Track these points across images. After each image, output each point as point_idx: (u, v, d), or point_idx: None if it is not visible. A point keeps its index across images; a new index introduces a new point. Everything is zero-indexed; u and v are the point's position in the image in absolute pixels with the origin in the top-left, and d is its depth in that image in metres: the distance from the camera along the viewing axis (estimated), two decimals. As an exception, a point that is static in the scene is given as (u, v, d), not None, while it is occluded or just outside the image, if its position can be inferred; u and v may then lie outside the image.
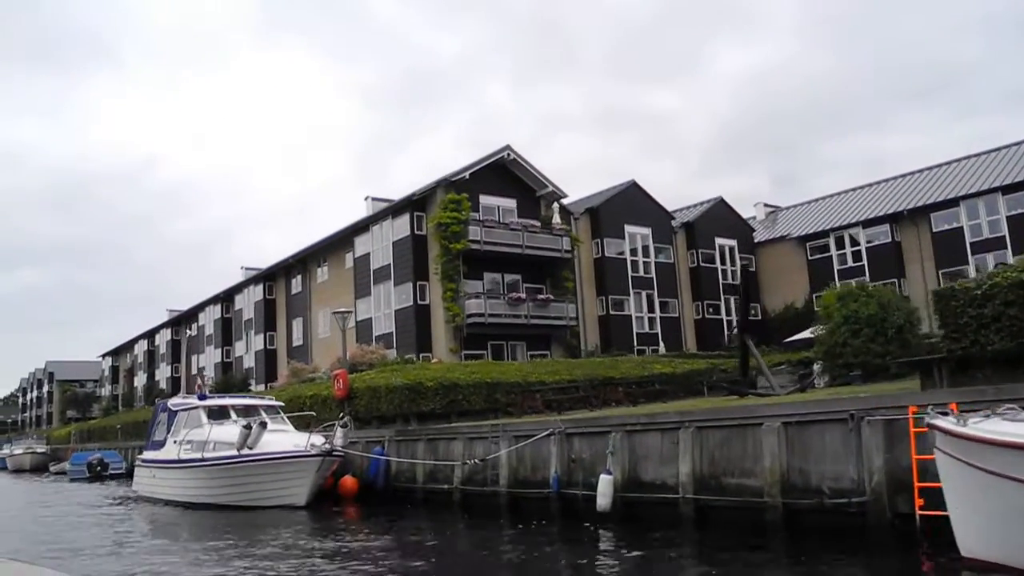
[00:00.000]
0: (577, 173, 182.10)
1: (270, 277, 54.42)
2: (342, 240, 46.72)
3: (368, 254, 43.64)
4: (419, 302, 40.15)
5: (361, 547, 14.98)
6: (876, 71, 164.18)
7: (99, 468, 39.87)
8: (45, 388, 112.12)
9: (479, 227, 39.91)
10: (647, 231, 48.67)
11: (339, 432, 20.64)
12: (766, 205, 58.91)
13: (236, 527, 18.60)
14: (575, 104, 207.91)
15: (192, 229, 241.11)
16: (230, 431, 21.61)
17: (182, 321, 70.74)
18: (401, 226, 41.39)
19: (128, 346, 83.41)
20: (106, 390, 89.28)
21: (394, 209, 41.89)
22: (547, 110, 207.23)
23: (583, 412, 23.92)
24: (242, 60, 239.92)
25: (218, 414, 23.27)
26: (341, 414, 21.51)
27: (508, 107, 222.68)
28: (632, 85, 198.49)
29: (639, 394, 28.78)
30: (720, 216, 53.33)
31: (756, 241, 54.72)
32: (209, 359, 62.45)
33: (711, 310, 51.14)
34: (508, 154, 42.31)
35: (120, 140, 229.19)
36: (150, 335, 76.44)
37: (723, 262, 52.39)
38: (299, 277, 51.57)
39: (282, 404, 25.42)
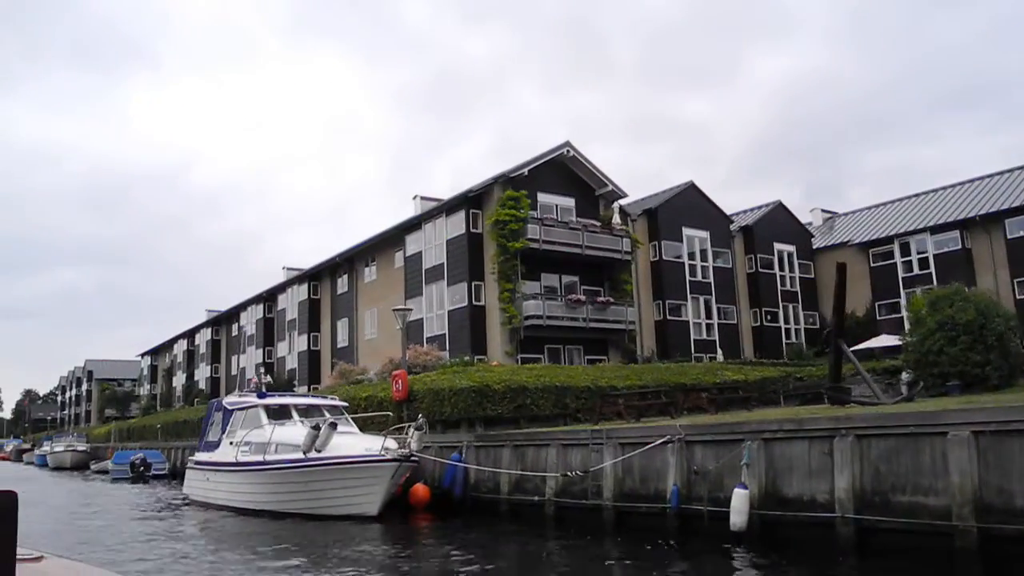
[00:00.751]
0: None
1: (315, 277, 52.69)
2: (392, 239, 44.88)
3: (420, 253, 41.74)
4: (474, 303, 38.18)
5: (448, 566, 12.92)
6: (911, 80, 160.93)
7: (142, 468, 38.17)
8: (84, 387, 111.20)
9: (538, 226, 37.92)
10: (705, 235, 46.47)
11: (414, 435, 18.62)
12: (823, 211, 56.48)
13: (301, 538, 16.73)
14: (606, 111, 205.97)
15: (227, 231, 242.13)
16: (295, 432, 19.73)
17: (222, 321, 69.28)
18: (455, 224, 39.48)
19: (167, 346, 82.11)
20: (144, 389, 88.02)
21: (448, 207, 39.99)
22: (577, 116, 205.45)
23: (665, 420, 21.87)
24: (275, 64, 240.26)
25: (279, 414, 21.34)
26: (419, 416, 19.41)
27: (538, 114, 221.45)
28: (664, 93, 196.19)
29: (720, 401, 26.55)
30: (779, 221, 50.99)
31: (814, 247, 52.23)
32: (250, 360, 60.82)
33: (769, 317, 48.76)
34: (567, 151, 40.31)
35: (156, 142, 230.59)
36: (190, 335, 75.04)
37: (781, 268, 50.02)
38: (345, 277, 49.79)
39: (346, 404, 23.47)
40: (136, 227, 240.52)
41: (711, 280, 46.18)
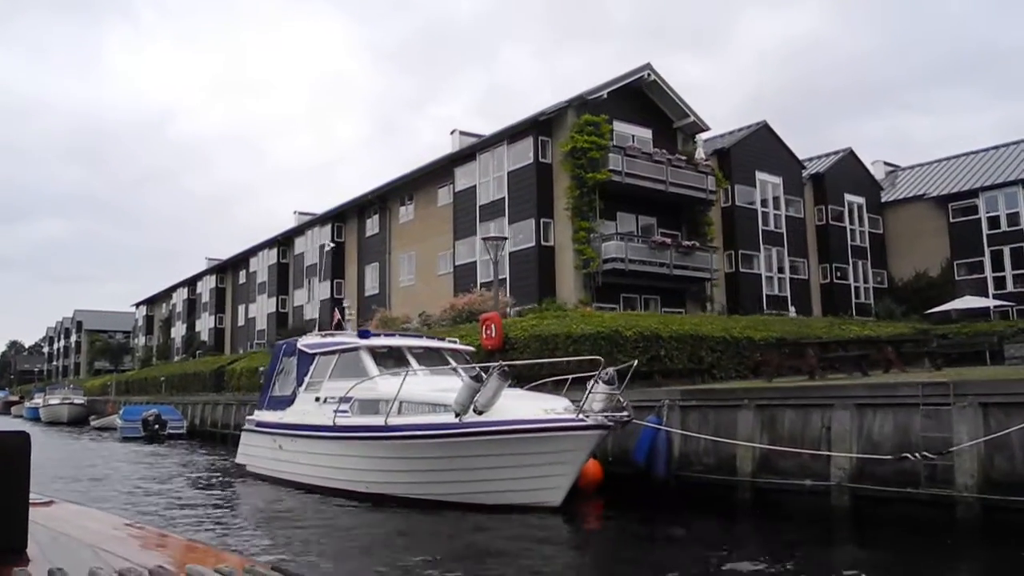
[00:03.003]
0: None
1: (339, 218, 45.89)
2: (436, 173, 38.22)
3: (473, 187, 35.14)
4: (542, 243, 31.71)
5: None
6: (905, 51, 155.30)
7: (156, 426, 31.39)
8: (73, 338, 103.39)
9: (620, 156, 31.56)
10: (778, 180, 40.23)
11: (599, 391, 12.19)
12: (886, 163, 50.21)
13: (450, 541, 10.63)
14: (595, 75, 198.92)
15: (212, 184, 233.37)
16: (431, 385, 13.31)
17: (227, 268, 62.16)
18: (520, 153, 32.96)
19: (165, 295, 74.77)
20: (139, 341, 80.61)
21: (510, 134, 33.38)
22: (571, 77, 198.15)
23: (887, 375, 15.80)
24: (258, 17, 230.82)
25: (388, 359, 14.71)
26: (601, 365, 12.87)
27: (529, 75, 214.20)
28: (656, 56, 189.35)
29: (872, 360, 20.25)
30: (849, 170, 44.88)
31: (883, 201, 46.11)
32: (261, 309, 54.00)
33: (839, 274, 42.68)
34: (648, 75, 33.85)
35: (139, 91, 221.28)
36: (190, 283, 67.85)
37: (851, 221, 43.89)
38: (375, 217, 43.05)
39: (472, 349, 16.83)
40: (120, 179, 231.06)
41: (783, 230, 40.00)
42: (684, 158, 33.74)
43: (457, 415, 11.79)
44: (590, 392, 11.73)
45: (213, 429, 32.13)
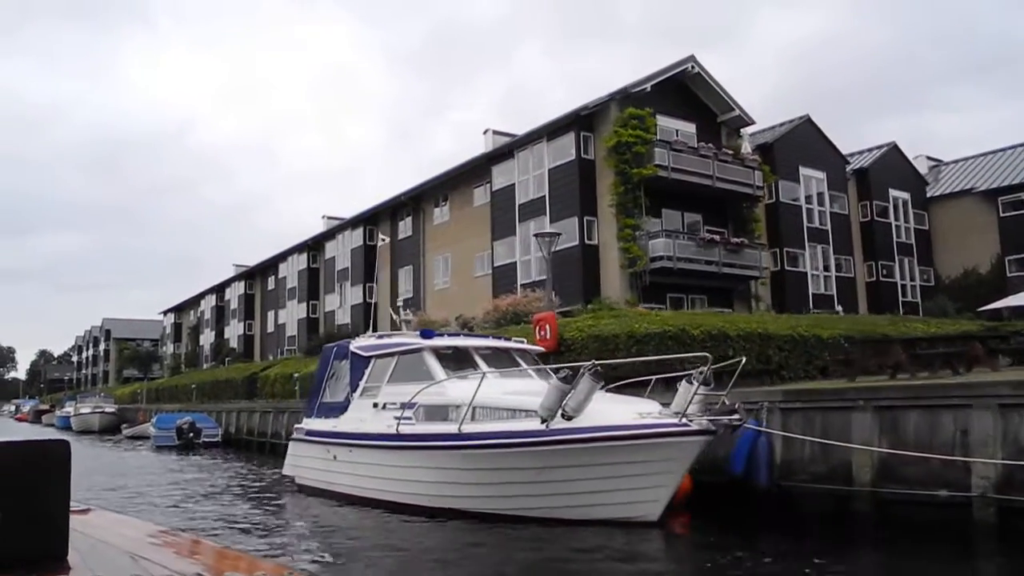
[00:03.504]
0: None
1: (371, 220, 44.72)
2: (471, 173, 37.08)
3: (511, 186, 33.90)
4: (586, 242, 30.41)
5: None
6: (922, 48, 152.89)
7: (191, 435, 30.26)
8: (101, 346, 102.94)
9: (666, 150, 30.21)
10: (822, 175, 38.71)
11: (692, 392, 10.88)
12: (928, 158, 48.50)
13: (536, 563, 9.48)
14: (610, 74, 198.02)
15: (231, 191, 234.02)
16: (507, 387, 12.03)
17: (255, 275, 61.25)
18: (561, 149, 31.71)
19: (193, 302, 74.07)
20: (168, 348, 79.91)
21: (551, 129, 32.12)
22: (583, 79, 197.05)
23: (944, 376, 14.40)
24: (273, 27, 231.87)
25: (453, 361, 13.41)
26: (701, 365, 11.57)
27: (544, 77, 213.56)
28: (671, 52, 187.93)
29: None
30: (894, 164, 43.28)
31: (928, 196, 44.44)
32: (291, 315, 52.95)
33: (884, 272, 41.06)
34: (691, 67, 32.50)
35: (156, 103, 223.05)
36: (218, 290, 67.01)
37: (896, 217, 42.25)
38: (409, 219, 41.88)
39: (541, 349, 15.50)
40: (139, 188, 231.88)
41: (828, 227, 38.48)
42: (731, 152, 32.33)
43: (543, 421, 10.50)
44: (693, 393, 10.38)
45: (249, 437, 31.01)
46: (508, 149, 34.25)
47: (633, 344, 18.50)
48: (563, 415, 10.37)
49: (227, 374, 44.26)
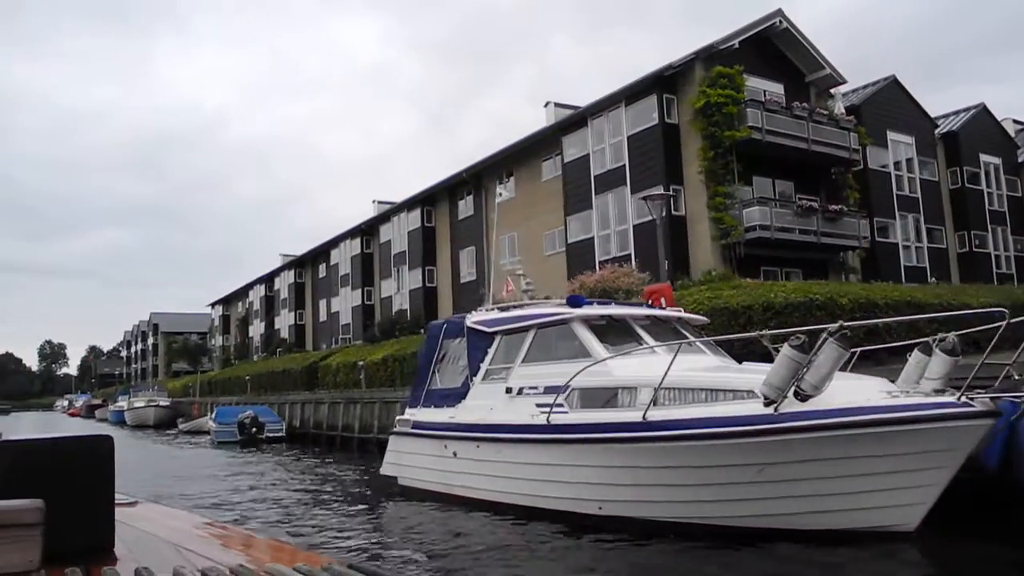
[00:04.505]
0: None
1: (429, 200, 42.15)
2: (539, 144, 34.36)
3: (586, 156, 31.17)
4: (672, 213, 27.53)
5: None
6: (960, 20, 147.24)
7: (253, 429, 27.91)
8: (150, 340, 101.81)
9: (759, 111, 27.36)
10: (911, 140, 35.46)
11: (941, 364, 8.12)
12: (1015, 121, 44.88)
13: None
14: (641, 61, 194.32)
15: (267, 184, 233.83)
16: (687, 365, 9.31)
17: (306, 263, 59.08)
18: (641, 114, 28.92)
19: (241, 293, 72.18)
20: (217, 341, 78.15)
21: (629, 93, 29.35)
22: (614, 65, 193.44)
23: None
24: (304, 21, 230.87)
25: (608, 334, 10.67)
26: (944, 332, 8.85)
27: (574, 63, 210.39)
28: (702, 36, 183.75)
29: None
30: (983, 128, 39.81)
31: (1021, 161, 40.91)
32: (344, 302, 50.64)
33: (977, 242, 37.65)
34: (779, 22, 29.54)
35: (191, 100, 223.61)
36: (268, 280, 64.97)
37: (988, 184, 38.78)
38: (469, 198, 39.24)
39: (706, 320, 12.68)
40: (177, 185, 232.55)
41: (919, 195, 35.20)
42: (825, 113, 29.30)
43: (770, 403, 7.81)
44: (951, 365, 7.70)
45: (316, 431, 28.64)
46: (581, 116, 31.50)
47: (770, 316, 15.82)
48: (797, 394, 7.66)
49: (284, 364, 42.11)
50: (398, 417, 14.11)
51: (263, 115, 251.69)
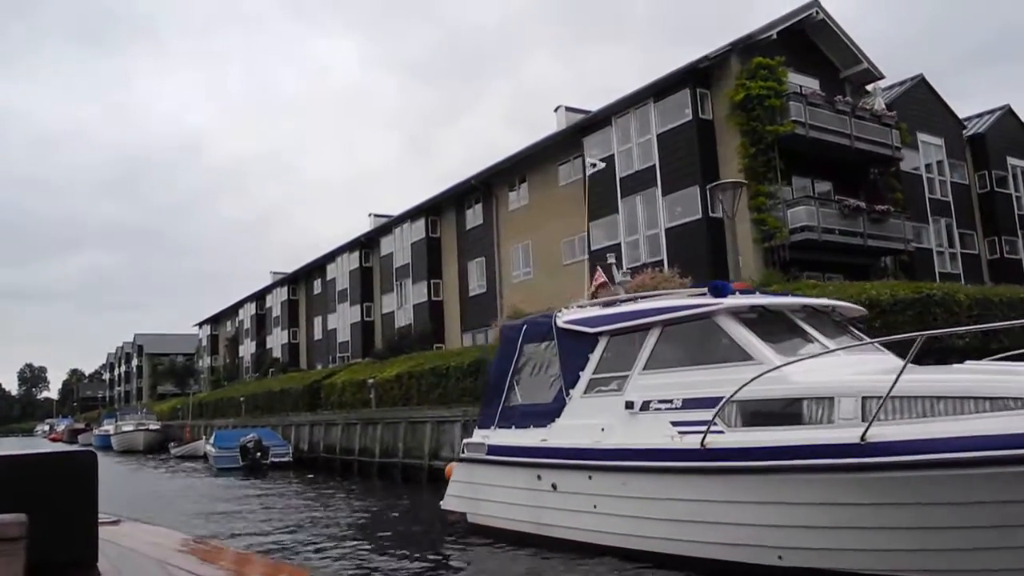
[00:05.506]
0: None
1: (434, 210, 39.67)
2: (555, 148, 32.07)
3: (610, 157, 28.77)
4: (710, 214, 25.31)
5: None
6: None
7: (257, 454, 25.14)
8: (134, 362, 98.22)
9: (802, 105, 25.18)
10: (940, 142, 33.39)
11: None
12: (1036, 124, 43.10)
13: None
14: (622, 76, 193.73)
15: (248, 208, 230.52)
16: (868, 366, 6.93)
17: (299, 279, 56.34)
18: (673, 110, 26.76)
19: (230, 312, 69.19)
20: (205, 362, 74.90)
21: (659, 89, 27.23)
22: (594, 81, 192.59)
23: None
24: (280, 40, 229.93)
25: (767, 330, 8.14)
26: None
27: (554, 80, 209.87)
28: (681, 48, 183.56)
29: None
30: (1009, 131, 37.95)
31: (1046, 164, 39.01)
32: (342, 319, 47.97)
33: (1008, 248, 35.60)
34: (815, 13, 27.52)
35: (169, 121, 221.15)
36: (258, 297, 62.20)
37: (1017, 188, 36.88)
38: (478, 206, 36.78)
39: (861, 310, 10.17)
40: (158, 207, 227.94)
41: (950, 199, 33.17)
42: (867, 109, 27.23)
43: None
44: None
45: (328, 455, 25.89)
46: (605, 115, 29.25)
47: (876, 315, 13.42)
48: None
49: (282, 384, 39.27)
50: (466, 441, 11.47)
51: (243, 136, 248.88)
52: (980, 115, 39.13)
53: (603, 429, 8.87)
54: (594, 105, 31.58)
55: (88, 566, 2.74)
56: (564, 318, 10.31)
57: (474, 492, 10.79)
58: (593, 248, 29.60)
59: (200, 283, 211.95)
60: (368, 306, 45.88)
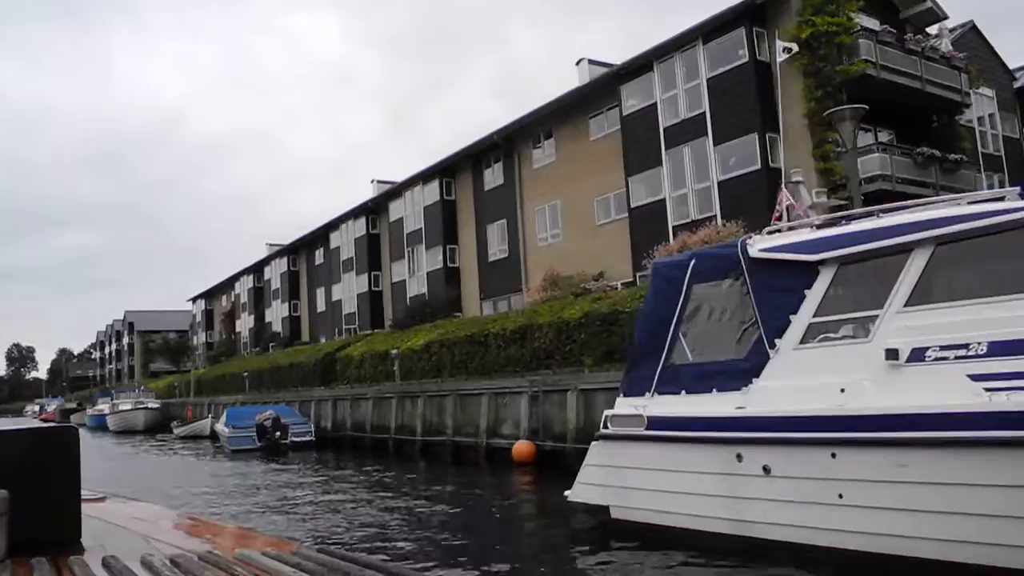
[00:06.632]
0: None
1: (448, 172, 36.85)
2: (587, 98, 29.39)
3: (652, 105, 26.34)
4: (770, 164, 22.79)
5: None
6: None
7: (276, 433, 22.46)
8: (125, 340, 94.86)
9: (872, 43, 22.50)
10: (991, 93, 30.86)
11: None
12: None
13: None
14: (612, 47, 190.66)
15: (233, 183, 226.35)
16: None
17: (300, 249, 53.39)
18: (725, 51, 24.22)
19: (226, 286, 66.13)
20: (200, 338, 71.80)
21: (708, 29, 24.52)
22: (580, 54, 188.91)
23: None
24: (260, 15, 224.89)
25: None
26: None
27: (539, 53, 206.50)
28: (671, 17, 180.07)
29: None
30: (1056, 82, 35.28)
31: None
32: (348, 289, 45.18)
33: (1056, 207, 33.12)
34: (876, -56, 24.59)
35: (150, 97, 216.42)
36: (256, 269, 59.12)
37: (1064, 145, 34.45)
38: (497, 165, 34.04)
39: None
40: (143, 184, 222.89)
41: (1002, 154, 30.77)
42: (936, 49, 24.66)
43: None
44: None
45: (357, 433, 23.21)
46: (646, 60, 26.48)
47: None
48: None
49: (290, 358, 36.59)
50: (609, 412, 8.75)
51: (225, 112, 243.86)
52: (1025, 66, 36.70)
53: (843, 389, 6.34)
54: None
55: (71, 541, 2.72)
56: (759, 245, 7.71)
57: (623, 479, 8.22)
58: (633, 205, 27.09)
59: (187, 261, 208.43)
60: (376, 275, 43.13)
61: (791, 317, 7.15)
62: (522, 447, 15.18)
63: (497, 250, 34.14)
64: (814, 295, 7.06)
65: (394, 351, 25.40)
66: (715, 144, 24.28)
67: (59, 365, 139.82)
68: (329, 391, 27.31)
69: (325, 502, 12.88)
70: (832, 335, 6.88)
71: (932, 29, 26.81)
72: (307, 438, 23.76)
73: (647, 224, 26.11)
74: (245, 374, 40.19)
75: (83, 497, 2.90)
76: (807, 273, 7.16)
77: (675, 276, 8.54)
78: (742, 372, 7.40)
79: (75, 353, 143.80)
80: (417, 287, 38.38)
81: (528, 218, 32.66)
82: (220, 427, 26.62)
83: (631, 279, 25.94)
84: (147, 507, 3.87)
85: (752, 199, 23.10)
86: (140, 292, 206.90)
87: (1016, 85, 33.97)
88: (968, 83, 25.65)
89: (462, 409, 17.95)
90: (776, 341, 7.19)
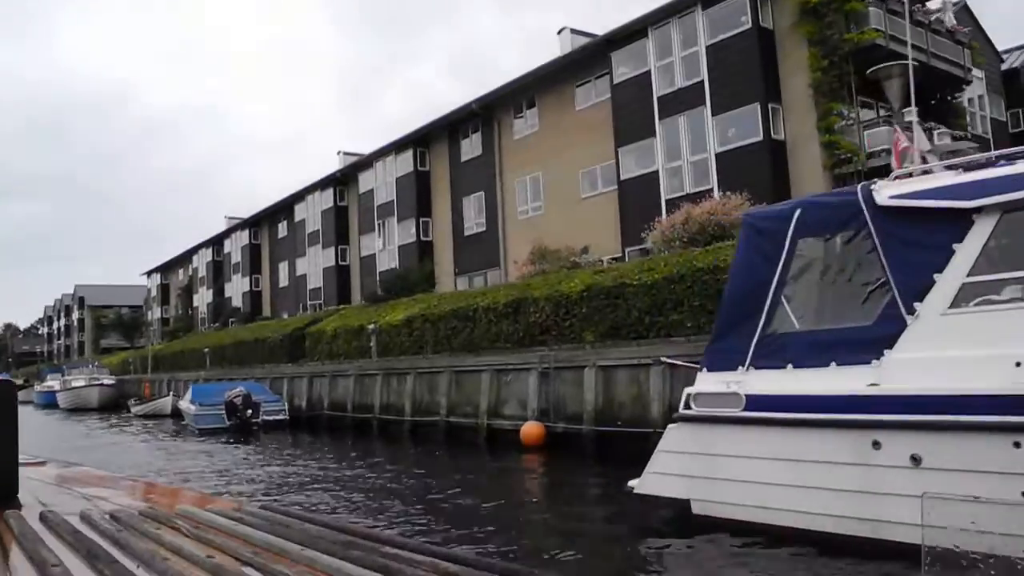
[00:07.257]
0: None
1: (421, 142, 35.22)
2: (573, 67, 28.06)
3: (646, 73, 25.11)
4: (772, 136, 21.76)
5: None
6: None
7: (247, 412, 20.84)
8: (75, 315, 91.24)
9: (881, 11, 21.52)
10: (980, 74, 30.16)
11: None
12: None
13: None
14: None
15: (184, 157, 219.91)
16: None
17: (261, 222, 51.26)
18: (727, 17, 23.14)
19: (183, 259, 63.54)
20: (155, 313, 69.04)
21: (707, -7, 23.18)
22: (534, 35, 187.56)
23: None
24: None
25: None
26: None
27: (494, 31, 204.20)
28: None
29: None
30: (1039, 65, 34.82)
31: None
32: (313, 263, 43.36)
33: (1039, 193, 32.70)
34: (879, -90, 23.53)
35: (96, 65, 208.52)
36: (215, 242, 56.75)
37: (1049, 129, 34.06)
38: (476, 136, 32.54)
39: None
40: (86, 157, 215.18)
41: (990, 136, 30.17)
42: (942, 22, 23.77)
43: None
44: None
45: (336, 412, 21.67)
46: (640, 26, 25.15)
47: None
48: None
49: (254, 333, 34.79)
50: (691, 390, 7.32)
51: (175, 85, 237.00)
52: (1016, 48, 36.16)
53: (1020, 363, 5.10)
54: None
55: (8, 497, 2.72)
56: (888, 191, 6.44)
57: (712, 469, 6.90)
58: (623, 178, 25.87)
59: (141, 237, 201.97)
60: (343, 249, 41.41)
61: (935, 276, 5.94)
62: (531, 428, 13.86)
63: (474, 224, 32.70)
64: (968, 250, 5.84)
65: (371, 326, 23.90)
66: (714, 114, 23.13)
67: (4, 340, 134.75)
68: (301, 367, 25.66)
69: (306, 481, 11.43)
70: (995, 297, 5.70)
71: (934, 3, 25.92)
72: (280, 417, 22.16)
73: (637, 197, 24.94)
74: (206, 350, 38.25)
75: (23, 461, 2.88)
76: (957, 223, 5.94)
77: (775, 229, 7.19)
78: (870, 342, 6.16)
79: (21, 328, 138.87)
80: (388, 261, 36.76)
81: (508, 190, 31.26)
82: (185, 404, 24.82)
83: (619, 254, 24.78)
84: (89, 470, 3.92)
85: (752, 172, 22.02)
86: (91, 267, 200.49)
87: (1003, 67, 33.47)
88: (972, 59, 24.81)
89: (458, 387, 16.56)
90: (916, 305, 5.98)
